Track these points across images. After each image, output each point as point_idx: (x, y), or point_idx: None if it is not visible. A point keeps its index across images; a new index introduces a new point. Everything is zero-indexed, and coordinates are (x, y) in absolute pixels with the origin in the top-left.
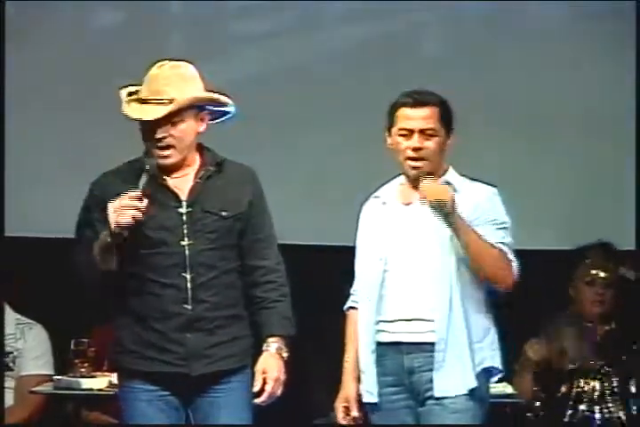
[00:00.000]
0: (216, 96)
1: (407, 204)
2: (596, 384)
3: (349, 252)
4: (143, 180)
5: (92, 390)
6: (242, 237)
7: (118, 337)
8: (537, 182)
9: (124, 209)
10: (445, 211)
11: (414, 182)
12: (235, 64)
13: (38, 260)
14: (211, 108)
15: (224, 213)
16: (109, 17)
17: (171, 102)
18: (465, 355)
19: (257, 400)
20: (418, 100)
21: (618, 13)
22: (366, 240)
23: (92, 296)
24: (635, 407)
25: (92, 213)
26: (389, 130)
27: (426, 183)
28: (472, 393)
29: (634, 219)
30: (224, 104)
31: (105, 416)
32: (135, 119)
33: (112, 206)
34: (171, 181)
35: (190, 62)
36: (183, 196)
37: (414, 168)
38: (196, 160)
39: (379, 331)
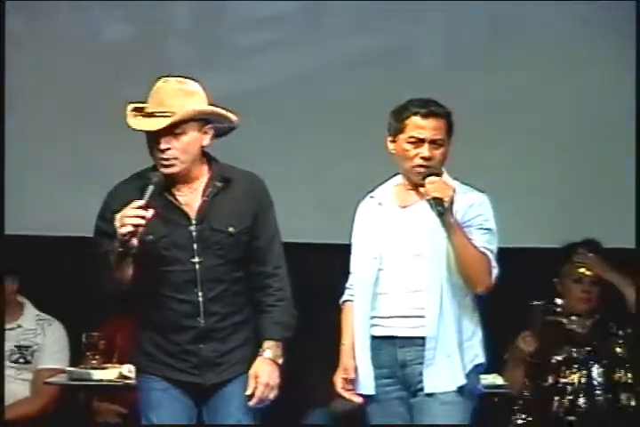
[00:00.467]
0: (218, 110)
1: (403, 206)
2: (582, 375)
3: (348, 249)
4: (149, 190)
5: (102, 380)
6: (246, 247)
7: (137, 338)
8: (537, 182)
9: (127, 218)
10: (443, 208)
11: (418, 184)
12: (238, 75)
13: (51, 258)
14: (214, 123)
15: (231, 229)
16: (115, 30)
17: (173, 115)
18: (454, 353)
19: (249, 403)
20: (431, 111)
21: (618, 14)
22: (362, 239)
23: (104, 297)
24: (622, 396)
25: (106, 223)
26: (395, 136)
27: (432, 179)
28: (462, 388)
29: (634, 218)
30: (227, 118)
31: (114, 406)
32: (139, 130)
33: (118, 216)
34: (181, 199)
35: (195, 80)
36: (192, 214)
37: (420, 173)
38: (203, 173)
39: (373, 325)
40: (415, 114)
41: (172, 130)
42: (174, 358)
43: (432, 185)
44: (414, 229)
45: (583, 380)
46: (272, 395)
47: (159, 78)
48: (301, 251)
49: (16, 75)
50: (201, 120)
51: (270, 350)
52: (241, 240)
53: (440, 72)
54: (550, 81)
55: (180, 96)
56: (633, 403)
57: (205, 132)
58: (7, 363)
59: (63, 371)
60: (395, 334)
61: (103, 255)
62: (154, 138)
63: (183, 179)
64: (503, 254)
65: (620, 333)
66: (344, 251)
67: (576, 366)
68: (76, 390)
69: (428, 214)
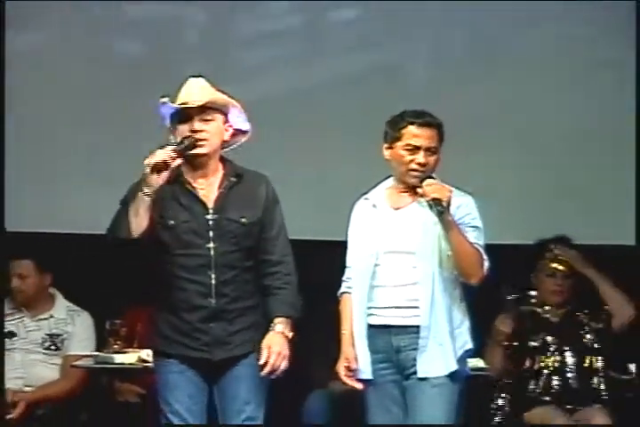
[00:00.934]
0: (240, 107)
1: (396, 208)
2: (556, 360)
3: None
4: (185, 143)
5: (123, 364)
6: (257, 237)
7: (154, 322)
8: (537, 182)
9: (158, 153)
10: (442, 208)
11: (414, 186)
12: (244, 88)
13: (80, 254)
14: (232, 123)
15: (243, 220)
16: (125, 48)
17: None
18: (446, 341)
19: (262, 373)
20: (427, 121)
21: (618, 14)
22: (358, 238)
23: (119, 243)
24: (594, 380)
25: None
26: (391, 143)
27: (429, 182)
28: (452, 373)
29: (634, 215)
30: (243, 118)
31: (134, 387)
32: (181, 104)
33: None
34: (200, 191)
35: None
36: (210, 204)
37: (417, 177)
38: (219, 169)
39: (370, 315)
40: (412, 124)
41: (205, 115)
42: (188, 338)
43: (430, 187)
44: (408, 229)
45: (557, 365)
46: (283, 365)
47: (188, 78)
48: (303, 247)
49: (16, 75)
50: (225, 116)
51: (281, 324)
52: (252, 230)
53: (432, 85)
54: (550, 81)
55: (210, 89)
56: (603, 387)
57: (227, 129)
58: (40, 349)
59: (88, 355)
60: (390, 323)
61: (123, 203)
62: (187, 120)
63: (203, 172)
64: (492, 250)
65: (593, 325)
66: (344, 247)
67: (550, 351)
68: (99, 372)
69: (419, 216)
